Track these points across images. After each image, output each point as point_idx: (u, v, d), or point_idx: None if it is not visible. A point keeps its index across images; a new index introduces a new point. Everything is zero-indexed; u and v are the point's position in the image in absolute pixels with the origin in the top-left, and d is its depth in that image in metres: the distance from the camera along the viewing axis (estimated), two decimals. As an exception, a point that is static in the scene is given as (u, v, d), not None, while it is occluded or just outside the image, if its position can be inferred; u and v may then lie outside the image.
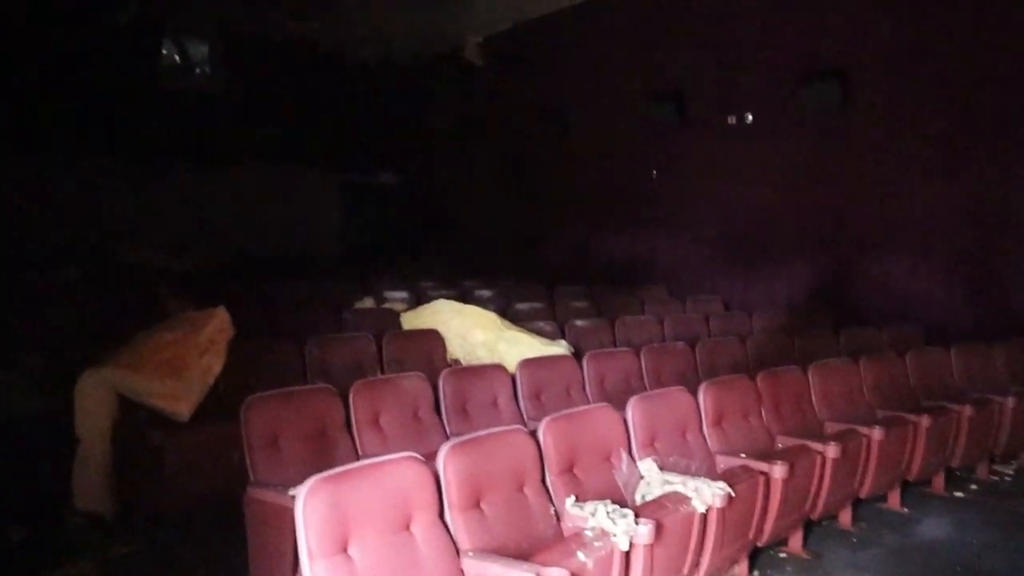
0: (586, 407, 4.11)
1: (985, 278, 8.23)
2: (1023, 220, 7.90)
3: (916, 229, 8.56)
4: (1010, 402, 5.92)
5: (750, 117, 9.93)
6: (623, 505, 3.36)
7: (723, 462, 4.23)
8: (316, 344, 5.58)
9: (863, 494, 4.97)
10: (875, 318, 8.34)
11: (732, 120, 10.11)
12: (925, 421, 5.25)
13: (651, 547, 3.24)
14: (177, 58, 12.91)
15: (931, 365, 6.54)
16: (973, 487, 5.83)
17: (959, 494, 5.67)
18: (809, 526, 4.71)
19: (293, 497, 2.71)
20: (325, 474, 2.75)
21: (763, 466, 4.09)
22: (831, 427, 5.19)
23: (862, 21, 8.80)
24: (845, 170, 9.07)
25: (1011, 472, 6.19)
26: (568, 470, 3.67)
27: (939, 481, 5.70)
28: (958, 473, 5.94)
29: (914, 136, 8.54)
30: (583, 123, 11.99)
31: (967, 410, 5.58)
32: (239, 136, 12.89)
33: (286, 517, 2.87)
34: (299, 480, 2.74)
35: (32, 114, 10.87)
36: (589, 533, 3.17)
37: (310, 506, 2.64)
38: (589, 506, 3.33)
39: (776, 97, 9.57)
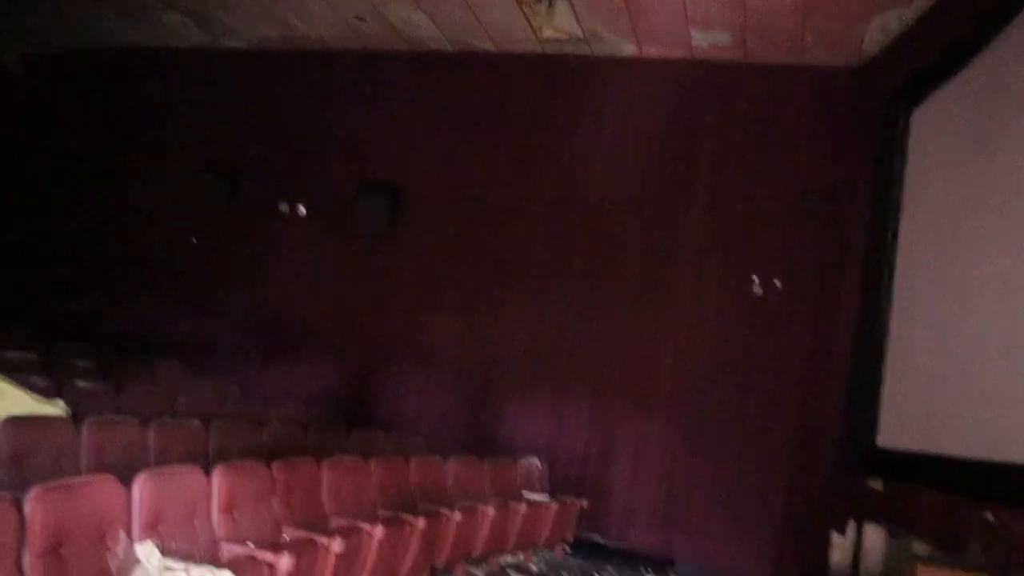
0: (85, 478, 3.52)
1: (479, 400, 9.30)
2: (508, 356, 9.19)
3: (430, 348, 9.38)
4: (490, 511, 6.58)
5: (303, 210, 10.08)
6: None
7: (229, 550, 3.92)
8: None
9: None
10: (386, 423, 8.78)
11: (284, 208, 10.16)
12: (421, 523, 5.56)
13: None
14: None
15: (430, 472, 7.03)
16: (450, 586, 6.26)
17: (439, 592, 6.03)
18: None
19: None
20: None
21: (269, 556, 3.90)
22: (337, 521, 5.19)
23: (416, 139, 9.70)
24: (383, 280, 9.62)
25: (482, 573, 6.81)
26: (53, 550, 3.07)
27: (424, 580, 6.01)
28: (440, 572, 6.33)
29: (444, 261, 9.47)
30: (133, 175, 10.99)
31: (456, 515, 6.07)
32: None
33: None
34: None
35: None
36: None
37: None
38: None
39: (331, 196, 9.91)
